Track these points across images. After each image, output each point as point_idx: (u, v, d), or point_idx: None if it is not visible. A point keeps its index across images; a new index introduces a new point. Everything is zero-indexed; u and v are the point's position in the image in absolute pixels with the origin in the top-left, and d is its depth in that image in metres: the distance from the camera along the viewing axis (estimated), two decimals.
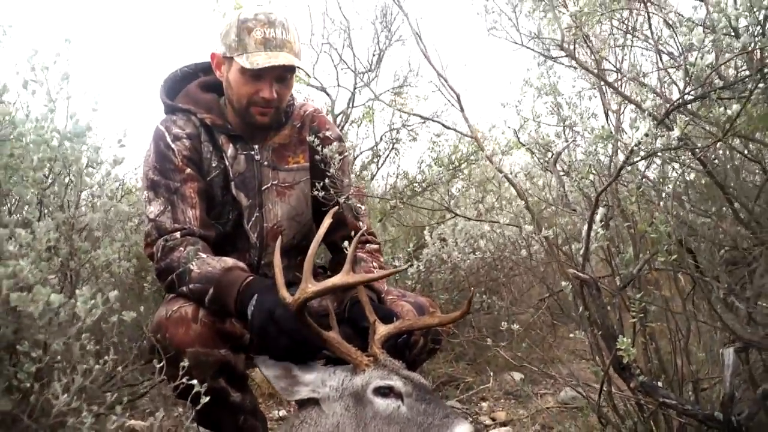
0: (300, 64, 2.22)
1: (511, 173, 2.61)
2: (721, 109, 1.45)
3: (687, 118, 1.58)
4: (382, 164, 5.30)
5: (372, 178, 5.26)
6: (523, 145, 2.75)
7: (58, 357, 1.55)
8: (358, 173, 5.09)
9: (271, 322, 1.87)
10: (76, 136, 1.89)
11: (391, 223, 4.63)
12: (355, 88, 4.95)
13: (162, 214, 2.19)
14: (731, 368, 1.67)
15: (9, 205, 1.92)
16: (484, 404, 3.48)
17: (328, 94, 4.93)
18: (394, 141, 5.18)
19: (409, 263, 3.80)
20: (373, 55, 4.98)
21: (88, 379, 1.41)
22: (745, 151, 1.90)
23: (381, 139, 5.18)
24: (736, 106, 1.42)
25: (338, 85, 4.89)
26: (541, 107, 2.63)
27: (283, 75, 2.25)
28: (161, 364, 1.69)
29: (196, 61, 2.50)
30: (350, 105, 5.01)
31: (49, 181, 1.82)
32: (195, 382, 1.61)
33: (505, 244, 3.49)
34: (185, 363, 1.68)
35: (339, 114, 5.00)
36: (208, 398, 1.63)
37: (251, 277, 2.05)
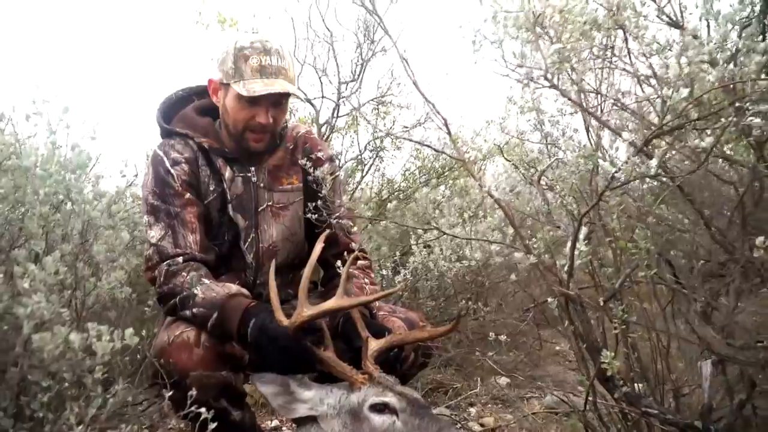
0: (295, 91, 2.29)
1: (495, 187, 2.71)
2: (697, 140, 1.54)
3: (665, 147, 1.67)
4: (366, 172, 5.38)
5: (357, 186, 5.33)
6: (509, 161, 2.85)
7: (66, 385, 1.62)
8: (343, 181, 5.17)
9: (266, 338, 1.95)
10: (78, 168, 1.95)
11: (377, 232, 4.70)
12: (339, 99, 5.02)
13: (163, 239, 2.24)
14: (708, 379, 1.78)
15: (11, 236, 1.97)
16: (473, 409, 3.57)
17: (312, 105, 4.99)
18: (378, 149, 5.25)
19: (401, 285, 3.88)
20: (356, 65, 5.05)
21: (103, 410, 1.47)
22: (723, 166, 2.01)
23: (365, 148, 5.26)
24: (709, 139, 1.52)
25: (322, 96, 4.95)
26: (524, 124, 2.71)
27: (278, 100, 2.32)
28: (167, 391, 1.76)
29: (185, 80, 2.58)
30: (335, 115, 5.07)
31: (56, 214, 1.86)
32: (203, 409, 1.67)
33: (490, 252, 3.58)
34: (191, 390, 1.75)
35: (323, 124, 5.07)
36: (215, 424, 1.69)
37: (253, 303, 2.12)
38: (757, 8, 1.68)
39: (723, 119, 1.53)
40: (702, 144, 1.52)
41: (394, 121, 5.33)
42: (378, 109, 5.29)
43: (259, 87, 2.21)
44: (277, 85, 2.23)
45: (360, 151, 5.32)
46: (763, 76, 1.51)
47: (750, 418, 1.87)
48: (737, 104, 1.50)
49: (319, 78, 4.93)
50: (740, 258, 1.72)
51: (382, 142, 5.21)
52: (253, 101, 2.25)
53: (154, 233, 2.27)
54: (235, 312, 2.05)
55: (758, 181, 1.72)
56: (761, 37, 1.54)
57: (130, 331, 1.45)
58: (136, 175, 2.56)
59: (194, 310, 2.13)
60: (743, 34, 1.66)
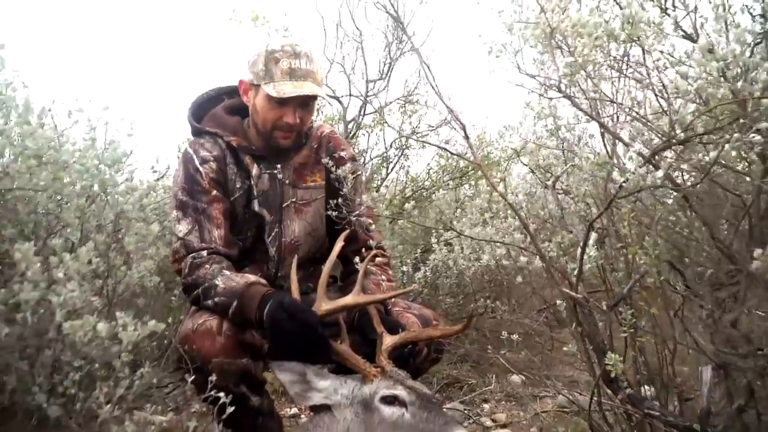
0: (322, 93, 2.39)
1: (512, 191, 2.77)
2: (701, 154, 1.60)
3: (671, 159, 1.73)
4: (391, 170, 5.47)
5: (382, 183, 5.42)
6: (525, 165, 2.91)
7: (95, 366, 1.74)
8: (368, 177, 5.26)
9: (285, 313, 2.04)
10: (114, 162, 2.07)
11: (396, 231, 4.79)
12: (366, 97, 5.11)
13: (190, 233, 2.36)
14: (708, 384, 1.83)
15: (48, 225, 2.09)
16: (486, 405, 3.65)
17: (340, 102, 5.09)
18: (404, 147, 5.34)
19: (416, 284, 3.97)
20: (384, 64, 5.14)
21: (130, 391, 1.59)
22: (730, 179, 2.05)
23: (391, 145, 5.35)
24: (713, 153, 1.58)
25: (350, 94, 5.05)
26: (541, 130, 2.77)
27: (306, 102, 2.42)
28: (191, 376, 1.87)
29: (218, 76, 2.71)
30: (362, 113, 5.17)
31: (91, 206, 1.98)
32: (222, 394, 1.78)
33: (508, 253, 3.64)
34: (213, 375, 1.86)
35: (350, 121, 5.17)
36: (233, 408, 1.80)
37: (271, 291, 2.23)
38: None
39: (728, 135, 1.58)
40: (706, 158, 1.58)
41: (420, 120, 5.42)
42: (405, 107, 5.37)
43: (288, 89, 2.31)
44: (305, 88, 2.33)
45: (386, 149, 5.41)
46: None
47: (748, 424, 1.91)
48: (741, 120, 1.55)
49: (348, 76, 5.03)
50: (743, 268, 1.77)
51: (407, 140, 5.29)
52: (282, 102, 2.35)
53: (182, 228, 2.38)
54: (253, 299, 2.15)
55: (764, 194, 1.77)
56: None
57: (153, 322, 1.56)
58: (168, 168, 2.68)
59: (216, 299, 2.23)
60: (754, 51, 1.71)
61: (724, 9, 1.78)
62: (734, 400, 1.92)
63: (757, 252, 1.48)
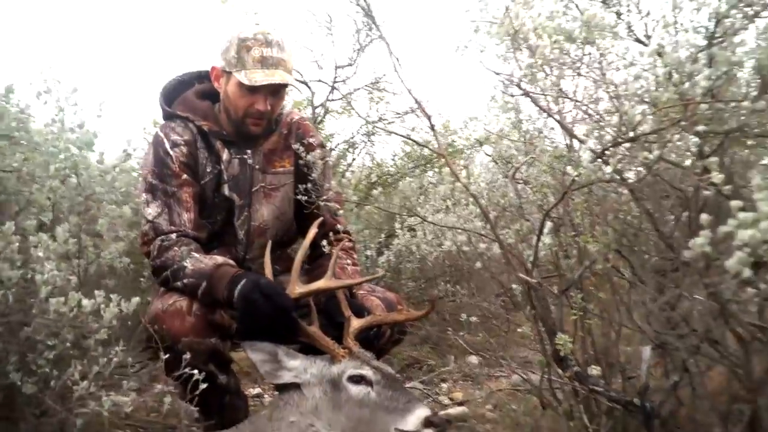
0: (293, 82, 2.46)
1: (474, 180, 2.90)
2: (645, 153, 1.74)
3: (620, 156, 1.87)
4: (357, 155, 5.56)
5: (347, 168, 5.51)
6: (488, 155, 3.04)
7: (68, 345, 1.81)
8: (334, 162, 5.34)
9: (258, 292, 2.11)
10: (85, 145, 2.12)
11: (362, 216, 4.89)
12: (334, 82, 5.17)
13: (159, 216, 2.41)
14: (647, 362, 1.99)
15: (18, 206, 2.14)
16: (444, 385, 3.80)
17: (308, 87, 5.14)
18: (370, 134, 5.42)
19: (382, 270, 4.08)
20: (353, 50, 5.20)
21: (106, 369, 1.66)
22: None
23: (357, 131, 5.43)
24: (656, 152, 1.72)
25: (319, 79, 5.11)
26: (504, 122, 2.90)
27: (277, 89, 2.48)
28: (163, 354, 1.95)
29: (188, 61, 2.75)
30: (329, 98, 5.23)
31: (62, 187, 2.03)
32: (196, 371, 1.87)
33: (469, 239, 3.78)
34: (185, 354, 1.94)
35: (318, 106, 5.23)
36: (205, 385, 1.89)
37: (239, 271, 2.30)
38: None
39: (670, 135, 1.72)
40: (650, 156, 1.71)
41: (387, 107, 5.50)
42: (372, 94, 5.45)
43: (260, 77, 2.37)
44: (277, 76, 2.39)
45: (353, 134, 5.49)
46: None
47: (682, 398, 2.09)
48: (682, 122, 1.69)
49: (317, 61, 5.07)
50: (681, 256, 1.92)
51: (374, 127, 5.37)
52: (254, 90, 2.42)
53: (151, 210, 2.43)
54: (222, 280, 2.22)
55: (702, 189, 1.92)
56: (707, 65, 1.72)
57: (137, 299, 1.63)
58: (135, 149, 2.72)
59: (185, 281, 2.30)
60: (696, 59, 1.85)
61: (674, 22, 1.93)
62: (670, 376, 2.09)
63: (692, 242, 1.62)
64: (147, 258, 2.46)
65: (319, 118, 5.19)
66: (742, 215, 1.33)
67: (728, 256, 1.35)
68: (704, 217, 1.39)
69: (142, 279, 2.75)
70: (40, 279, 1.49)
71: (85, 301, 1.54)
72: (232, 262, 2.38)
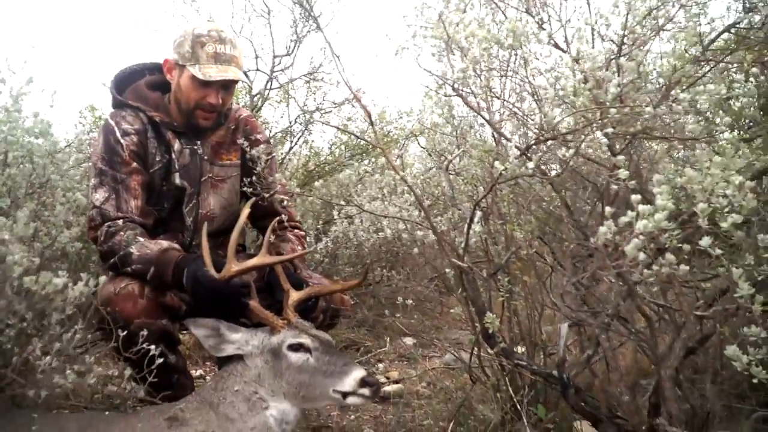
0: (244, 78, 2.58)
1: (409, 170, 3.09)
2: (563, 150, 1.97)
3: (540, 154, 2.09)
4: (295, 143, 5.67)
5: (285, 156, 5.61)
6: (423, 147, 3.24)
7: (25, 324, 1.90)
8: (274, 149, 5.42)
9: (202, 286, 2.26)
10: (41, 134, 2.19)
11: (303, 205, 5.02)
12: (272, 72, 5.26)
13: (106, 201, 2.48)
14: (564, 339, 2.24)
15: None
16: (381, 365, 4.00)
17: (246, 76, 5.21)
18: (308, 123, 5.54)
19: (321, 248, 4.23)
20: (291, 41, 5.30)
21: (69, 345, 1.77)
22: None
23: (295, 120, 5.54)
24: (571, 151, 1.95)
25: (257, 69, 5.18)
26: (437, 117, 3.09)
27: (227, 85, 2.60)
28: (114, 336, 2.05)
29: (143, 58, 2.81)
30: (267, 87, 5.31)
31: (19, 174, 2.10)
32: (153, 347, 1.99)
33: (405, 228, 3.99)
34: (138, 335, 2.06)
35: (256, 95, 5.31)
36: (161, 360, 2.01)
37: (182, 255, 2.42)
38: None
39: (583, 135, 1.95)
40: (567, 154, 1.94)
41: (324, 96, 5.63)
42: (309, 84, 5.57)
43: (213, 72, 2.49)
44: (230, 72, 2.52)
45: (290, 123, 5.60)
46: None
47: (595, 370, 2.35)
48: (593, 124, 1.92)
49: (255, 51, 5.15)
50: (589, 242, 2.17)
51: (311, 116, 5.50)
52: (206, 84, 2.53)
53: (99, 196, 2.50)
54: (167, 265, 2.34)
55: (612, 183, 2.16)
56: (616, 74, 1.96)
57: (103, 278, 1.74)
58: (77, 137, 2.77)
59: (133, 266, 2.39)
60: (608, 67, 2.09)
61: (592, 30, 2.16)
62: (585, 350, 2.34)
63: (601, 229, 1.84)
64: (94, 243, 2.53)
65: (257, 107, 5.27)
66: (641, 207, 1.57)
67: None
68: (608, 210, 1.61)
69: (91, 263, 2.80)
70: (11, 260, 1.58)
71: (56, 280, 1.64)
72: (176, 245, 2.48)
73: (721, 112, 2.07)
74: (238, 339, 2.22)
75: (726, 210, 1.62)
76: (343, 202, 4.49)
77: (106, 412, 2.11)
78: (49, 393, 1.74)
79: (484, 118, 2.28)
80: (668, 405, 2.08)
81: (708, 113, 1.95)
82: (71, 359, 1.80)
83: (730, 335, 1.91)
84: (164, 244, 2.44)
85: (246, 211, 2.50)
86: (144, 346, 2.02)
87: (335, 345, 2.24)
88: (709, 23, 2.21)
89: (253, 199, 2.61)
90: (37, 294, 1.64)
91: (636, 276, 1.79)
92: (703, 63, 2.19)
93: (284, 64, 5.32)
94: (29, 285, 1.60)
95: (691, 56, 2.05)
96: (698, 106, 1.86)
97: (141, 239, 2.43)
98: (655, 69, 2.09)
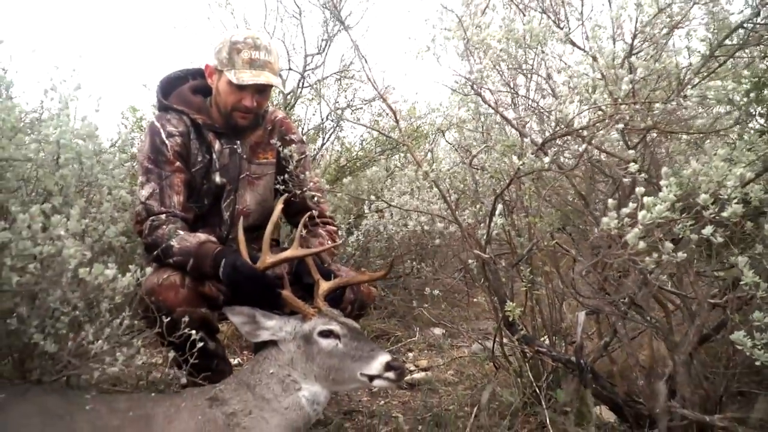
0: (277, 83, 2.72)
1: (436, 165, 3.20)
2: (576, 145, 2.06)
3: (555, 149, 2.19)
4: (326, 140, 5.82)
5: (317, 153, 5.76)
6: (449, 143, 3.34)
7: (77, 313, 2.08)
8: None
9: (241, 275, 2.41)
10: (88, 137, 2.36)
11: (332, 199, 5.17)
12: (304, 71, 5.41)
13: (151, 197, 2.66)
14: (581, 326, 2.33)
15: (27, 191, 2.37)
16: (410, 354, 4.13)
17: (279, 75, 5.36)
18: (339, 119, 5.68)
19: (340, 241, 4.36)
20: (322, 40, 5.44)
21: (118, 330, 1.94)
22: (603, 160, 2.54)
23: (327, 117, 5.69)
24: (585, 145, 2.04)
25: (289, 69, 5.34)
26: (463, 113, 3.20)
27: (263, 89, 2.75)
28: (158, 324, 2.22)
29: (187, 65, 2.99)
30: (300, 86, 5.47)
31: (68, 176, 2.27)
32: (194, 332, 2.16)
33: (432, 221, 4.10)
34: (181, 323, 2.23)
35: (289, 93, 5.46)
36: (201, 344, 2.18)
37: (220, 247, 2.58)
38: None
39: (596, 131, 2.04)
40: (580, 149, 2.04)
41: (354, 94, 5.77)
42: (340, 81, 5.70)
43: (247, 77, 2.65)
44: (262, 77, 2.67)
45: (322, 120, 5.75)
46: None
47: (613, 356, 2.44)
48: (606, 120, 2.01)
49: (287, 51, 5.31)
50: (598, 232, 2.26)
51: (342, 113, 5.63)
52: (242, 87, 2.69)
53: (145, 192, 2.68)
54: (206, 256, 2.50)
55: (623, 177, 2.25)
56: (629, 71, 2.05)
57: (149, 269, 1.90)
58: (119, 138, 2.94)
59: (174, 258, 2.56)
60: (623, 65, 2.17)
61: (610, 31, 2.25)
62: (602, 337, 2.44)
63: (604, 219, 1.91)
64: (140, 236, 2.71)
65: (290, 105, 5.42)
66: (646, 199, 1.66)
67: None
68: (611, 201, 1.71)
69: (136, 256, 2.99)
70: (67, 253, 1.75)
71: (107, 271, 1.80)
72: (213, 238, 2.64)
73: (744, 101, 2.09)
74: (273, 326, 2.35)
75: (734, 200, 1.70)
76: (373, 198, 4.62)
77: (152, 394, 2.28)
78: (100, 374, 1.91)
79: (501, 115, 2.39)
80: (682, 389, 2.17)
81: (718, 107, 2.03)
82: (120, 344, 1.97)
83: (741, 322, 1.99)
84: (202, 237, 2.60)
85: (279, 207, 2.65)
86: (186, 331, 2.17)
87: (363, 332, 2.37)
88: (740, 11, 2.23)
89: (286, 195, 2.76)
90: (90, 284, 1.81)
91: (642, 266, 1.88)
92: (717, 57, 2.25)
93: (315, 62, 5.47)
94: (84, 276, 1.77)
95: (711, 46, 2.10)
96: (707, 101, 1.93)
97: (181, 233, 2.60)
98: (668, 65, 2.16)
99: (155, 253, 2.60)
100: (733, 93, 2.06)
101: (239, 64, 2.66)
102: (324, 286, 2.46)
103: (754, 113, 2.14)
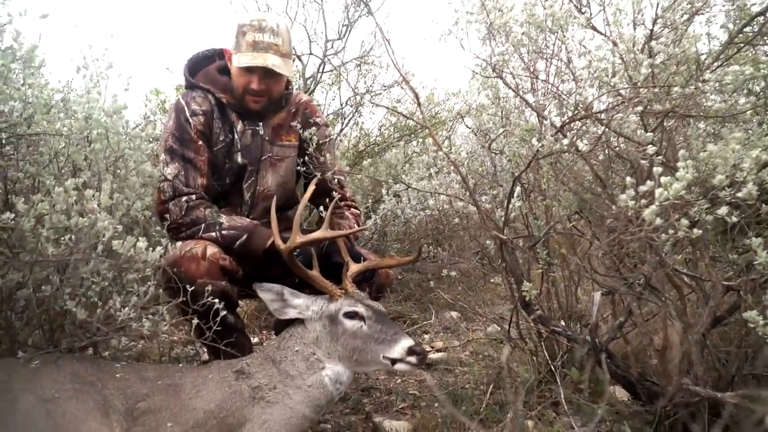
0: (279, 67, 2.72)
1: (455, 150, 3.25)
2: (594, 128, 2.10)
3: (575, 131, 2.23)
4: (346, 125, 5.88)
5: (336, 137, 5.83)
6: (468, 128, 3.38)
7: (106, 284, 2.16)
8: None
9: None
10: (115, 113, 2.43)
11: (350, 182, 5.23)
12: (325, 56, 5.47)
13: (176, 176, 2.72)
14: (597, 306, 2.37)
15: (58, 167, 2.45)
16: (426, 336, 4.20)
17: (300, 60, 5.43)
18: (358, 105, 5.74)
19: (368, 225, 4.43)
20: (343, 25, 5.49)
21: (144, 298, 2.02)
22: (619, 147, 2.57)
23: (346, 102, 5.74)
24: (604, 128, 2.08)
25: (310, 53, 5.40)
26: (483, 98, 3.23)
27: (270, 71, 2.76)
28: (180, 295, 2.30)
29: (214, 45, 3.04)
30: (320, 70, 5.52)
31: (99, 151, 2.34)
32: (216, 300, 2.23)
33: (450, 203, 4.15)
34: (202, 294, 2.30)
35: (309, 78, 5.52)
36: (224, 313, 2.25)
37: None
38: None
39: (613, 114, 2.08)
40: (598, 131, 2.07)
41: (374, 79, 5.82)
42: (360, 67, 5.76)
43: (246, 60, 2.70)
44: (260, 60, 2.70)
45: (341, 105, 5.81)
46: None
47: (627, 336, 2.48)
48: (624, 104, 2.05)
49: (308, 36, 5.36)
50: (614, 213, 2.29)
51: (361, 98, 5.69)
52: (249, 70, 2.75)
53: (170, 171, 2.74)
54: (262, 237, 2.64)
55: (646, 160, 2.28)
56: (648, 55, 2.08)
57: (179, 244, 1.98)
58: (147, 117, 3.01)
59: (223, 232, 2.64)
60: (643, 50, 2.20)
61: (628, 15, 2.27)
62: (617, 317, 2.48)
63: (622, 197, 1.93)
64: (163, 214, 2.76)
65: (310, 90, 5.48)
66: (663, 179, 1.70)
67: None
68: (629, 180, 1.75)
69: (155, 231, 3.07)
70: (102, 225, 1.82)
71: (140, 243, 1.88)
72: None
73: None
74: (300, 304, 2.42)
75: (751, 182, 1.73)
76: (391, 181, 4.67)
77: (180, 364, 2.36)
78: (127, 342, 2.00)
79: (522, 97, 2.43)
80: (695, 368, 2.21)
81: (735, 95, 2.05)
82: (146, 310, 2.05)
83: (755, 303, 2.02)
84: (250, 220, 2.71)
85: (311, 188, 2.70)
86: (209, 299, 2.25)
87: (387, 315, 2.43)
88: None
89: (317, 178, 2.81)
90: (123, 256, 1.88)
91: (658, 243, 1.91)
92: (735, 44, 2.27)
93: (336, 48, 5.53)
94: (117, 248, 1.84)
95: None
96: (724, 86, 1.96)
97: (222, 214, 2.70)
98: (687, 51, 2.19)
99: (193, 228, 2.67)
100: (751, 82, 2.09)
101: (243, 47, 2.73)
102: (353, 268, 2.52)
103: None
